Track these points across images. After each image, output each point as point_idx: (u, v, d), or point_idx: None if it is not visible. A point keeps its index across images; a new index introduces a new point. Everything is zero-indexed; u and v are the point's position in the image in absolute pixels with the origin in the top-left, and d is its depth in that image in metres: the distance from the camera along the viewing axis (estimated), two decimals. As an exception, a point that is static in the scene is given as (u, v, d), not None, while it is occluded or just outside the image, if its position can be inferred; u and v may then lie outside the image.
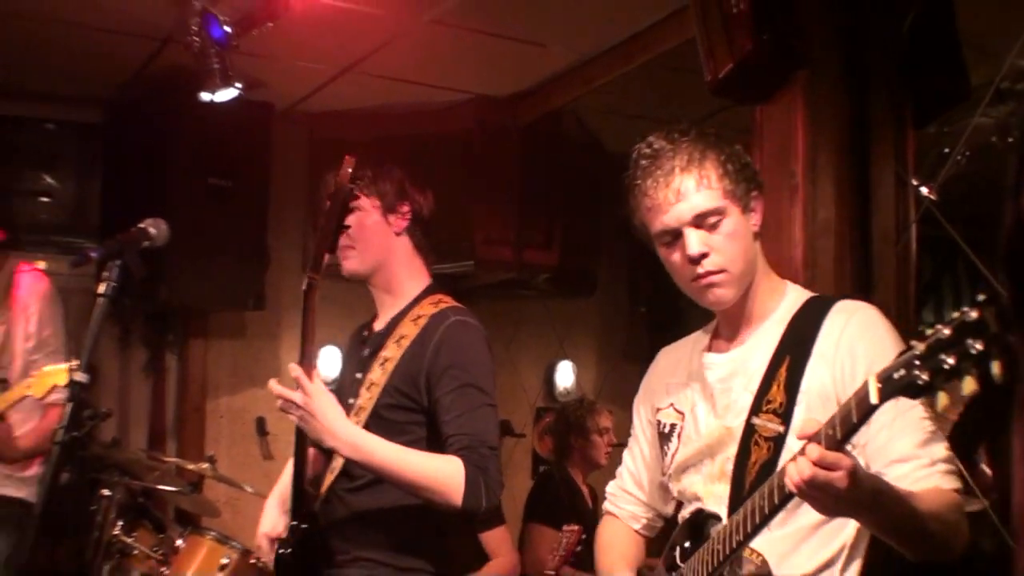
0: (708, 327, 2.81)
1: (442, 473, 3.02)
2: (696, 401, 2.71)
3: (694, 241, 2.50)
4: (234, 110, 5.02)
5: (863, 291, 3.68)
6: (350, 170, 3.08)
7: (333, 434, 3.00)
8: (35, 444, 4.44)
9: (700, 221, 2.50)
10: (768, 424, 2.46)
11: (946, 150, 4.16)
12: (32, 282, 4.70)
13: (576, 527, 5.14)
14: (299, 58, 5.60)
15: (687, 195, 2.49)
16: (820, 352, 2.46)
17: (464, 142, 6.21)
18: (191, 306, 6.42)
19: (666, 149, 2.55)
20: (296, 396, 2.99)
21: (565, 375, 7.52)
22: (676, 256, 2.55)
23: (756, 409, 2.50)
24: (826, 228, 3.70)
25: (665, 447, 2.78)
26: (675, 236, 2.53)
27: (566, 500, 5.86)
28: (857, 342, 2.43)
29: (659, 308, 7.20)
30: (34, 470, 4.61)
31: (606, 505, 3.05)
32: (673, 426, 2.76)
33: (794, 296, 2.65)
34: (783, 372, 2.49)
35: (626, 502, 3.00)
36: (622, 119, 6.30)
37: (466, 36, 5.24)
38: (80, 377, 3.12)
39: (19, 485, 4.59)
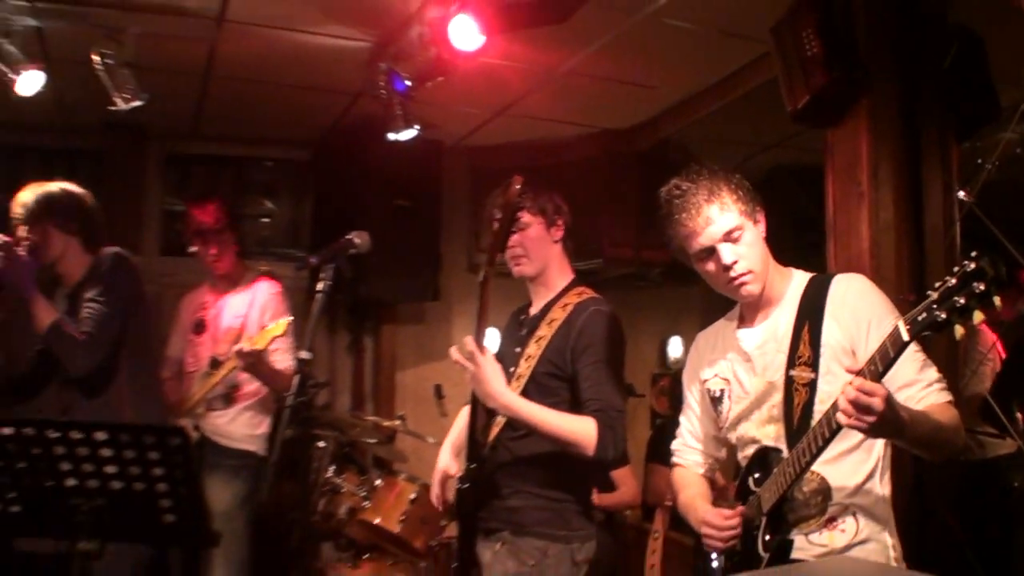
0: (731, 314, 2.94)
1: (578, 429, 3.09)
2: (737, 368, 2.82)
3: (727, 253, 2.65)
4: (413, 147, 5.06)
5: (917, 277, 3.71)
6: (518, 187, 3.12)
7: (494, 396, 3.08)
8: (278, 371, 4.53)
9: (727, 237, 2.64)
10: (802, 374, 2.60)
11: (979, 160, 4.09)
12: (266, 288, 4.81)
13: (687, 467, 5.11)
14: (463, 104, 5.65)
15: (715, 219, 2.65)
16: (831, 313, 2.61)
17: (593, 166, 6.21)
18: (383, 299, 6.50)
19: (691, 187, 2.69)
20: (469, 364, 3.07)
21: (675, 347, 7.50)
22: (712, 267, 2.70)
23: (791, 364, 2.64)
24: (887, 227, 3.70)
25: (718, 408, 2.88)
26: (710, 252, 2.67)
27: (679, 446, 5.83)
28: (858, 301, 2.60)
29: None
30: (263, 429, 4.73)
31: (674, 459, 3.11)
32: (722, 391, 2.86)
33: (800, 278, 2.79)
34: (806, 333, 2.63)
35: (689, 454, 3.08)
36: (718, 144, 6.26)
37: (593, 83, 5.24)
38: (304, 355, 3.24)
39: (253, 441, 4.69)
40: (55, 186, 4.00)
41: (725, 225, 2.64)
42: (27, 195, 3.96)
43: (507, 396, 3.11)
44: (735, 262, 2.64)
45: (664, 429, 6.02)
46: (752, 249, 2.68)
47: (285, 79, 5.33)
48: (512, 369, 3.34)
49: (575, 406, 3.20)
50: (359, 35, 4.68)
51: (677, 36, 4.54)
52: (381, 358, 6.77)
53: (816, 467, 2.53)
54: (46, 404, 4.08)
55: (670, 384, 6.38)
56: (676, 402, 6.08)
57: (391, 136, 4.84)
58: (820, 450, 2.42)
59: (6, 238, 3.79)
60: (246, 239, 6.59)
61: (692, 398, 3.04)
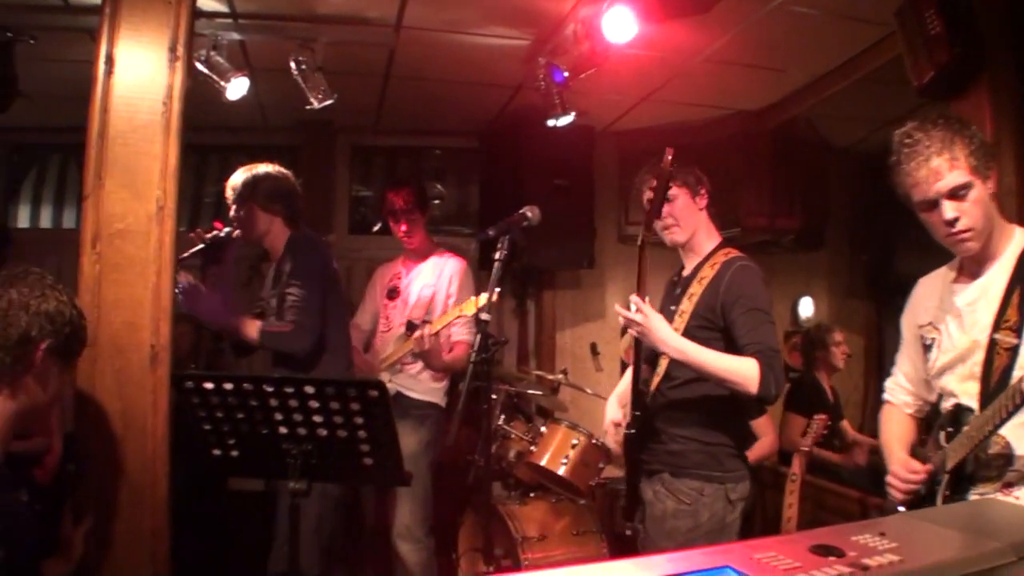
0: (952, 264, 2.65)
1: (743, 368, 2.98)
2: (948, 320, 2.57)
3: (948, 209, 2.39)
4: (567, 132, 5.05)
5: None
6: (669, 158, 3.05)
7: (665, 342, 3.01)
8: (449, 362, 4.53)
9: (952, 194, 2.38)
10: (1006, 338, 2.35)
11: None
12: (455, 262, 4.81)
13: (824, 415, 4.95)
14: (612, 92, 5.55)
15: (942, 174, 2.38)
16: None
17: (729, 144, 6.02)
18: (543, 267, 6.46)
19: (922, 137, 2.41)
20: (637, 317, 3.00)
21: (806, 307, 7.26)
22: (935, 218, 2.44)
23: (997, 326, 2.39)
24: (1009, 190, 3.45)
25: (928, 355, 2.65)
26: (933, 204, 2.42)
27: (814, 397, 5.67)
28: None
29: (874, 257, 6.93)
30: (443, 384, 4.74)
31: (885, 396, 2.93)
32: (933, 339, 2.63)
33: (1020, 237, 2.49)
34: (1016, 296, 2.37)
35: (900, 393, 2.89)
36: (843, 121, 6.03)
37: (727, 68, 5.07)
38: (485, 317, 3.23)
39: (435, 394, 4.71)
40: (261, 169, 4.03)
41: (951, 181, 2.37)
42: (236, 178, 4.03)
43: (678, 340, 3.04)
44: (956, 218, 2.39)
45: (800, 381, 5.86)
46: (976, 207, 2.39)
47: (454, 76, 5.32)
48: (670, 324, 3.26)
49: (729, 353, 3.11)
50: (519, 34, 4.65)
51: (803, 22, 4.37)
52: (543, 320, 6.73)
53: (1005, 431, 2.30)
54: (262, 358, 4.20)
55: (802, 341, 6.18)
56: (808, 358, 5.94)
57: (549, 123, 4.82)
58: (1008, 417, 2.21)
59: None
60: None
61: (909, 341, 2.81)
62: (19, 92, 4.13)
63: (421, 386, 4.66)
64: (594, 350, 6.72)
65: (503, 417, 5.00)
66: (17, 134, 6.64)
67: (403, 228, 4.76)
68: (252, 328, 3.84)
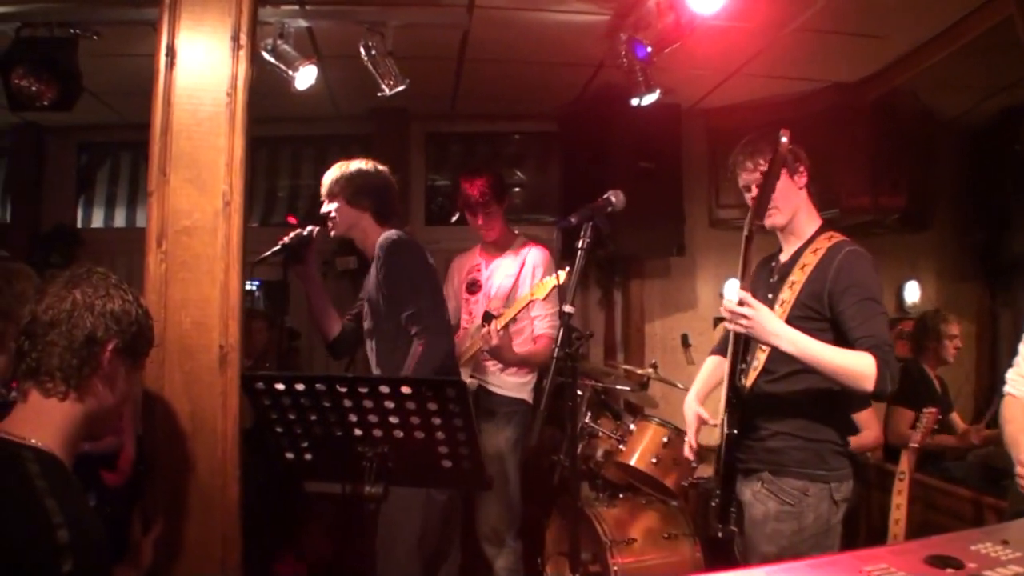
0: None
1: (858, 363, 2.86)
2: None
3: None
4: (652, 111, 4.97)
5: None
6: (785, 139, 2.91)
7: (777, 334, 2.90)
8: (524, 356, 4.50)
9: None
10: None
11: None
12: (537, 252, 4.77)
13: (934, 409, 4.78)
14: (698, 68, 5.45)
15: None
16: None
17: (825, 119, 5.85)
18: (630, 255, 6.42)
19: None
20: (745, 310, 2.91)
21: (912, 292, 7.05)
22: None
23: None
24: None
25: None
26: None
27: (922, 388, 5.50)
28: None
29: (986, 236, 6.70)
30: (529, 378, 4.71)
31: (1006, 388, 2.83)
32: None
33: None
34: None
35: (1022, 384, 2.77)
36: (949, 90, 5.81)
37: (821, 37, 4.93)
38: (568, 309, 3.16)
39: (521, 389, 4.68)
40: (354, 165, 4.01)
41: None
42: (329, 173, 4.02)
43: (792, 333, 2.92)
44: None
45: (907, 372, 5.68)
46: None
47: (531, 57, 5.28)
48: None
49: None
50: (598, 9, 4.59)
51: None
52: (630, 311, 6.68)
53: None
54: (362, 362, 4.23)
55: (914, 328, 5.97)
56: (917, 346, 5.75)
57: (633, 102, 4.74)
58: None
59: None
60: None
61: None
62: (84, 89, 4.20)
63: (506, 382, 4.65)
64: (685, 342, 6.66)
65: (589, 414, 4.96)
66: (85, 132, 6.83)
67: (480, 220, 4.74)
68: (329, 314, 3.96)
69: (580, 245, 3.23)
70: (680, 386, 5.17)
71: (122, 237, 6.72)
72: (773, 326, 2.91)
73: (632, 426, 4.77)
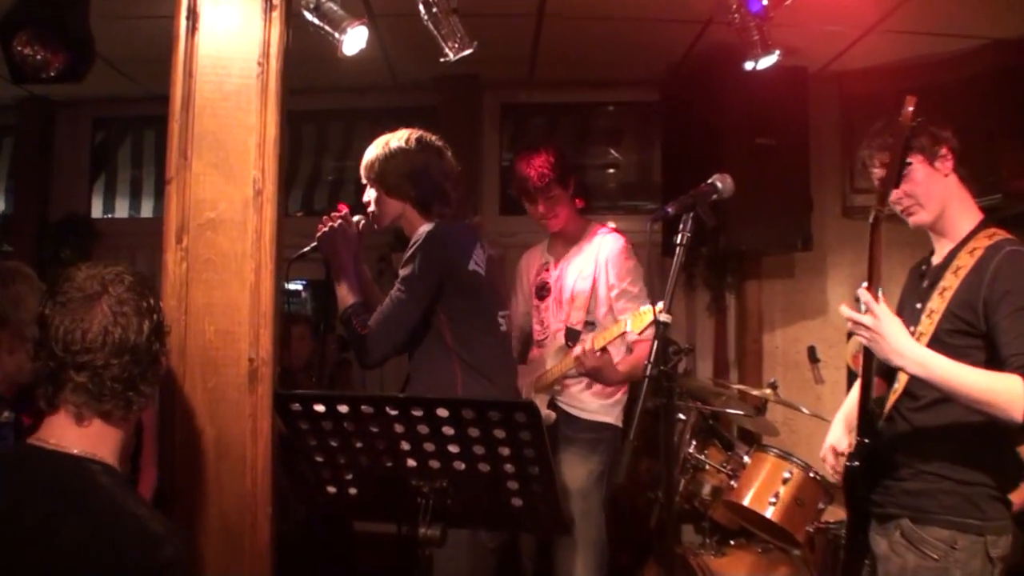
0: None
1: (1003, 389, 2.79)
2: None
3: None
4: (773, 76, 4.92)
5: None
6: (911, 108, 2.88)
7: (901, 353, 2.86)
8: (628, 371, 4.48)
9: None
10: None
11: None
12: (612, 242, 4.75)
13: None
14: (828, 22, 5.39)
15: None
16: None
17: (984, 84, 5.76)
18: (746, 251, 6.36)
19: None
20: (866, 319, 2.88)
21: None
22: None
23: None
24: None
25: None
26: None
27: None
28: None
29: None
30: (618, 397, 4.70)
31: None
32: None
33: None
34: None
35: None
36: None
37: (981, -19, 4.87)
38: (665, 318, 3.17)
39: (609, 411, 4.67)
40: (395, 141, 3.99)
41: None
42: (368, 151, 4.04)
43: (916, 351, 2.89)
44: None
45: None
46: None
47: (624, 12, 5.28)
48: (912, 328, 3.11)
49: (991, 368, 2.93)
50: (704, -48, 4.57)
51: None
52: (746, 317, 6.63)
53: None
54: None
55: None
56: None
57: (748, 66, 4.69)
58: None
59: (343, 211, 3.93)
60: (590, 192, 6.68)
61: None
62: (98, 56, 4.28)
63: (591, 402, 4.65)
64: (813, 356, 6.58)
65: (695, 443, 4.95)
66: (101, 106, 7.00)
67: (540, 208, 4.73)
68: (345, 299, 3.87)
69: (679, 240, 3.22)
70: (805, 411, 5.12)
71: (146, 230, 6.80)
72: (898, 342, 2.87)
73: (746, 458, 4.76)
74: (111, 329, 2.31)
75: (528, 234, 6.17)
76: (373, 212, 4.01)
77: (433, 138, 4.04)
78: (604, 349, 4.28)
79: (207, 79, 3.03)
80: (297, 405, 2.74)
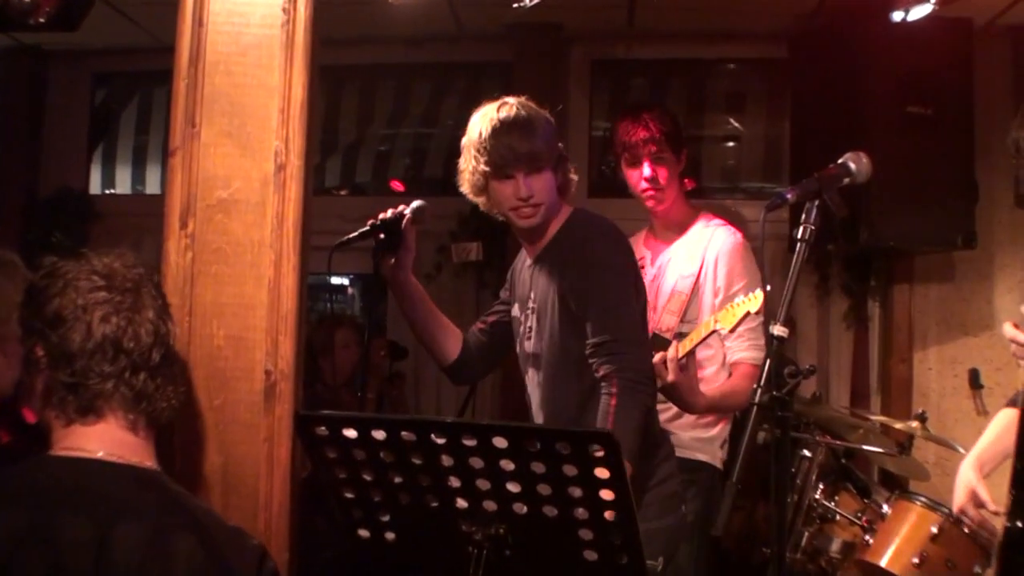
0: None
1: None
2: None
3: None
4: (928, 30, 4.90)
5: None
6: None
7: None
8: (716, 398, 4.36)
9: None
10: None
11: None
12: (725, 236, 4.71)
13: None
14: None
15: None
16: None
17: None
18: (893, 248, 6.23)
19: None
20: None
21: None
22: None
23: None
24: None
25: None
26: None
27: None
28: None
29: None
30: (717, 430, 4.70)
31: None
32: None
33: None
34: None
35: None
36: None
37: None
38: (779, 331, 3.10)
39: (705, 447, 4.67)
40: (530, 105, 3.87)
41: None
42: (516, 122, 3.79)
43: None
44: None
45: None
46: None
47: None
48: None
49: None
50: None
51: None
52: (892, 331, 6.58)
53: None
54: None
55: None
56: None
57: (896, 17, 4.66)
58: None
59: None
60: (701, 170, 6.65)
61: None
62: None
63: (682, 434, 4.62)
64: (975, 381, 6.51)
65: (822, 488, 4.96)
66: (103, 59, 7.08)
67: (648, 174, 4.68)
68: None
69: (799, 235, 3.18)
70: (961, 450, 5.06)
71: (153, 209, 6.85)
72: None
73: (886, 508, 4.76)
74: (160, 326, 2.48)
75: (622, 221, 6.14)
76: (537, 205, 3.82)
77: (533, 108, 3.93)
78: (689, 359, 4.12)
79: (221, 29, 3.05)
80: (323, 429, 2.75)
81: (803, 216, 3.19)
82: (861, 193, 3.33)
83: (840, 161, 3.30)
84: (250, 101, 3.04)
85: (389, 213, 3.96)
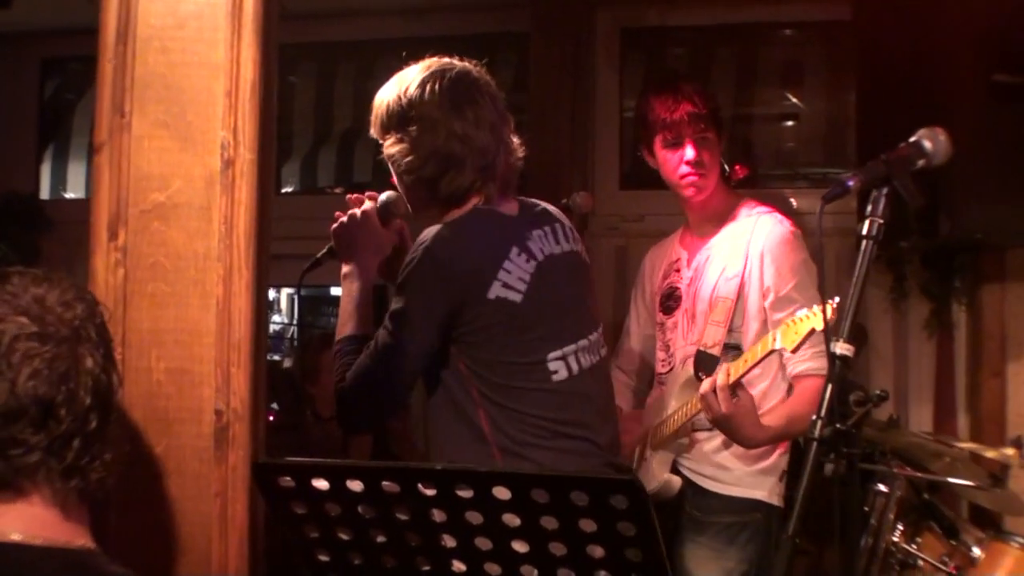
0: None
1: None
2: None
3: None
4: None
5: None
6: None
7: None
8: (780, 427, 4.32)
9: None
10: None
11: None
12: (771, 226, 4.63)
13: None
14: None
15: None
16: None
17: None
18: (981, 241, 6.19)
19: None
20: None
21: None
22: None
23: None
24: None
25: None
26: None
27: None
28: None
29: None
30: (773, 459, 4.59)
31: None
32: None
33: None
34: None
35: None
36: None
37: None
38: (843, 350, 2.98)
39: (759, 484, 4.57)
40: (415, 83, 3.99)
41: None
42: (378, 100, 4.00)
43: None
44: None
45: None
46: None
47: None
48: None
49: None
50: None
51: None
52: (982, 340, 6.52)
53: None
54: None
55: None
56: None
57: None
58: None
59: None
60: (753, 153, 6.59)
61: None
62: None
63: (733, 468, 4.57)
64: (1092, 400, 6.44)
65: (902, 528, 4.94)
66: (53, 43, 7.10)
67: (691, 156, 4.60)
68: (342, 326, 3.86)
69: (865, 230, 3.08)
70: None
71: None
72: None
73: (977, 550, 4.75)
74: (101, 379, 2.37)
75: (658, 218, 6.11)
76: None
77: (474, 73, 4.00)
78: (740, 386, 4.10)
79: (153, -2, 3.05)
80: (288, 479, 2.66)
81: (869, 207, 3.12)
82: (940, 178, 3.22)
83: (912, 139, 3.21)
84: (190, 84, 3.00)
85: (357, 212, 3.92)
